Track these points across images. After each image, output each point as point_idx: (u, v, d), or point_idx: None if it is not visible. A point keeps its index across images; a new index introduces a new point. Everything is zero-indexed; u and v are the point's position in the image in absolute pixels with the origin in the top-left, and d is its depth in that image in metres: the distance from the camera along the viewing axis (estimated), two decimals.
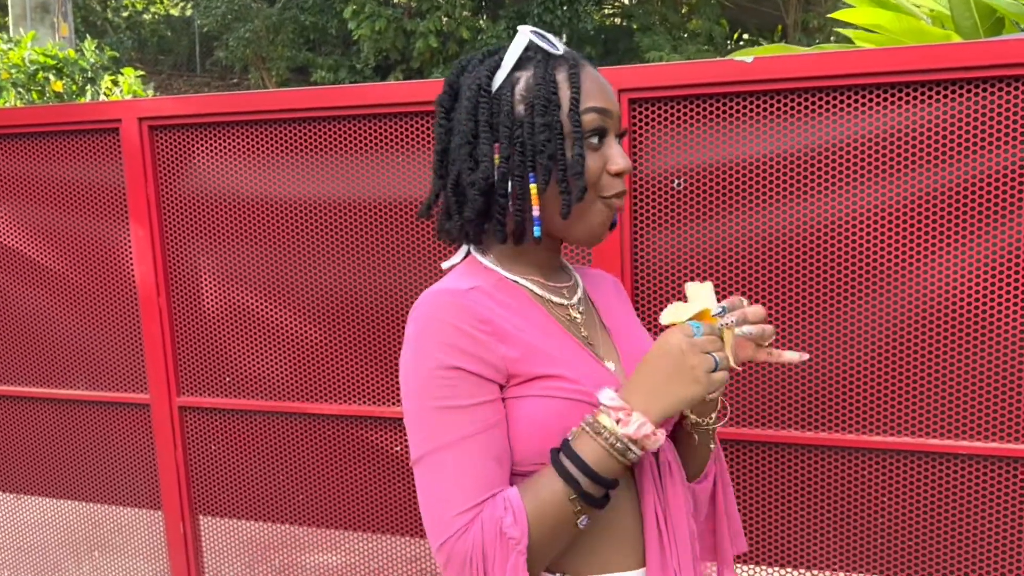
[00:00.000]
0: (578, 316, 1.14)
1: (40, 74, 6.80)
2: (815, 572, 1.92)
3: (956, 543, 1.77)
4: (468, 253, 1.16)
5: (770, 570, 1.98)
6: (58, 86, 6.83)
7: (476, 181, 1.04)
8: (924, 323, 1.71)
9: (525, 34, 1.06)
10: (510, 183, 1.04)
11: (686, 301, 1.05)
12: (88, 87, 7.29)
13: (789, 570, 1.95)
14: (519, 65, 1.06)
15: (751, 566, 1.96)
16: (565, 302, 1.14)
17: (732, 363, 1.01)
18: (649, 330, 1.87)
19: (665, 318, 1.03)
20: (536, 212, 1.05)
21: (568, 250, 1.90)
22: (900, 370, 1.74)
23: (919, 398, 1.74)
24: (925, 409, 1.74)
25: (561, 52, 1.07)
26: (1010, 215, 1.62)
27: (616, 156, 1.06)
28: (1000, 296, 1.66)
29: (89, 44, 7.59)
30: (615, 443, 0.96)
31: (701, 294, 1.05)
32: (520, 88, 1.05)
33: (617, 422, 0.96)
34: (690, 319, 1.01)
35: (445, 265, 1.17)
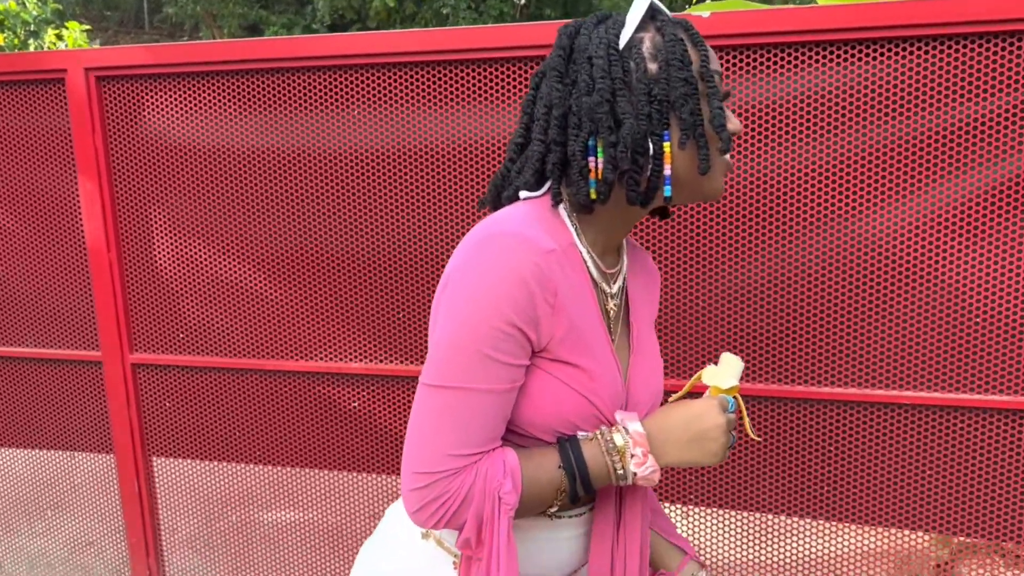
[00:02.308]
0: (613, 308, 1.15)
1: None
2: (759, 514, 1.98)
3: (895, 487, 1.83)
4: (546, 191, 1.11)
5: (718, 511, 2.03)
6: None
7: (623, 139, 1.01)
8: (867, 276, 1.75)
9: None
10: (650, 141, 1.02)
11: (715, 363, 1.16)
12: (31, 41, 7.04)
13: (739, 512, 2.01)
14: (639, 27, 1.05)
15: (704, 508, 2.02)
16: (608, 291, 1.14)
17: (753, 435, 1.18)
18: None
19: (707, 378, 1.14)
20: (668, 171, 1.04)
21: None
22: (846, 322, 1.78)
23: (867, 350, 1.79)
24: (871, 360, 1.79)
25: (672, 16, 1.08)
26: (954, 170, 1.67)
27: (732, 118, 1.08)
28: (943, 249, 1.70)
29: None
30: (620, 471, 1.04)
31: (734, 367, 1.14)
32: (647, 47, 1.03)
33: (631, 456, 1.03)
34: (724, 391, 1.13)
35: (524, 196, 1.11)
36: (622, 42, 1.04)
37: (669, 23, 1.06)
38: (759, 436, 1.23)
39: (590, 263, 1.10)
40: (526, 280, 0.97)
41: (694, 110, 1.02)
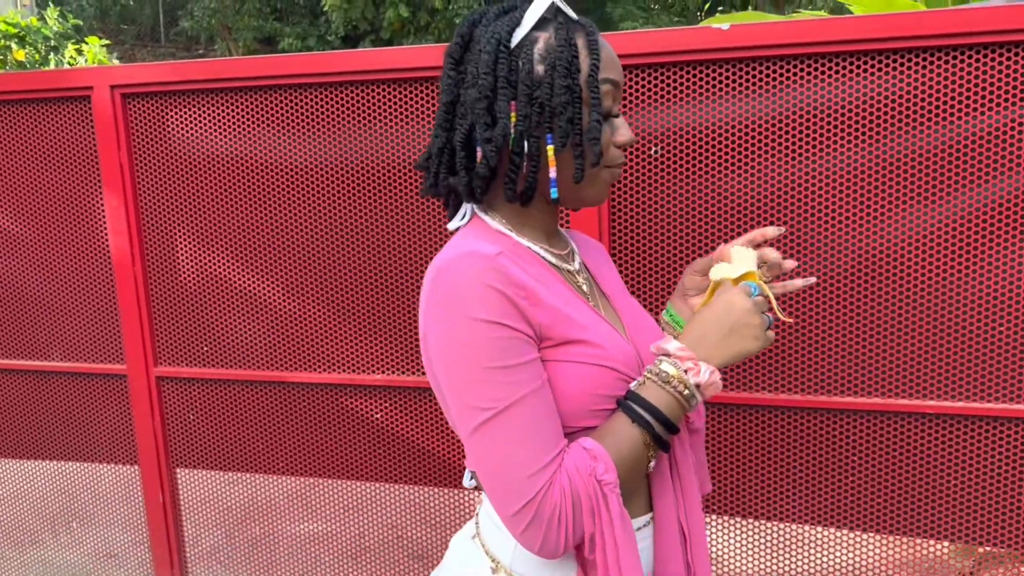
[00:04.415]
0: (584, 283, 1.16)
1: (1, 42, 6.62)
2: (782, 524, 1.98)
3: (919, 497, 1.83)
4: (472, 214, 1.13)
5: (741, 521, 2.03)
6: (20, 55, 6.66)
7: (494, 138, 1.02)
8: (889, 285, 1.75)
9: None
10: (526, 143, 1.03)
11: (729, 262, 1.15)
12: (51, 56, 7.12)
13: (762, 521, 2.00)
14: (538, 25, 1.05)
15: (726, 517, 2.01)
16: (571, 268, 1.15)
17: (784, 317, 1.13)
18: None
19: (715, 274, 1.13)
20: (553, 174, 1.04)
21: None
22: (868, 332, 1.78)
23: (889, 359, 1.78)
24: (894, 370, 1.79)
25: (578, 19, 1.08)
26: (972, 180, 1.66)
27: (623, 128, 1.08)
28: (966, 258, 1.70)
29: (52, 12, 7.39)
30: (683, 390, 1.02)
31: (747, 257, 1.13)
32: (540, 48, 1.03)
33: (686, 371, 1.02)
34: (739, 279, 1.10)
35: (452, 226, 1.14)
36: (515, 39, 1.03)
37: (570, 25, 1.05)
38: (791, 319, 1.22)
39: (541, 252, 1.11)
40: (491, 285, 0.96)
41: (573, 118, 1.02)
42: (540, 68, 1.03)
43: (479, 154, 1.04)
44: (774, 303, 1.11)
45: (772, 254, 1.18)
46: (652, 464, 1.05)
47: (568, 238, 1.23)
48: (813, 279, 1.22)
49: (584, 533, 0.97)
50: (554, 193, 1.05)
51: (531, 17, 1.04)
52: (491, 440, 0.96)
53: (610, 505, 0.96)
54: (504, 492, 0.95)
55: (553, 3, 1.06)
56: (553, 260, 1.12)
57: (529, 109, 1.02)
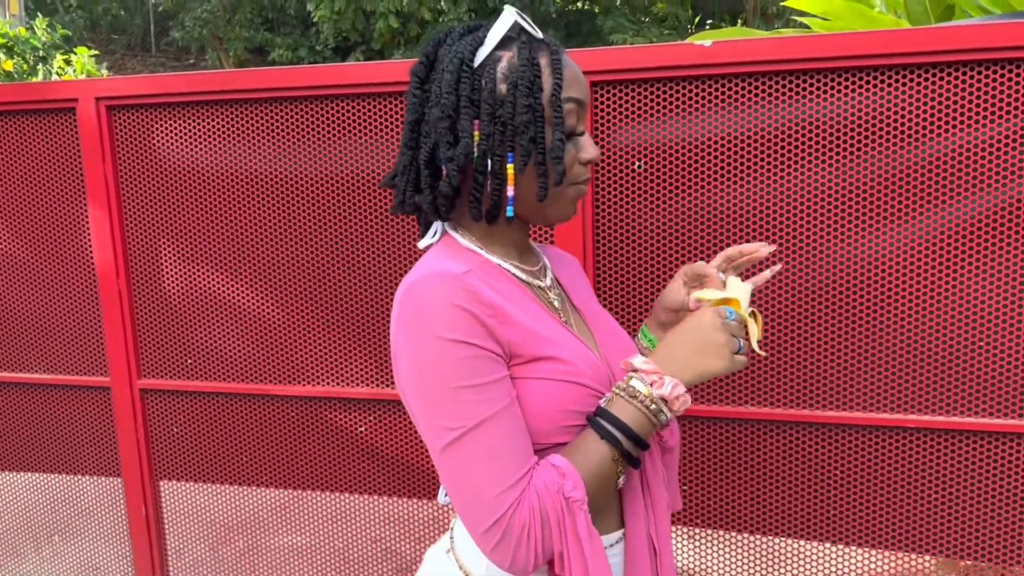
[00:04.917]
0: (556, 299, 1.16)
1: None
2: (765, 537, 1.98)
3: (901, 510, 1.83)
4: (443, 232, 1.14)
5: (724, 533, 2.03)
6: (8, 65, 6.64)
7: (456, 156, 1.02)
8: (871, 299, 1.76)
9: (511, 14, 1.06)
10: (490, 161, 1.04)
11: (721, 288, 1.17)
12: (40, 66, 7.11)
13: (745, 534, 2.01)
14: (501, 44, 1.05)
15: (709, 530, 2.02)
16: (542, 284, 1.16)
17: (758, 350, 1.12)
18: (610, 311, 1.91)
19: (696, 295, 1.16)
20: (511, 192, 1.05)
21: (532, 230, 1.92)
22: (850, 346, 1.79)
23: (871, 373, 1.79)
24: (876, 384, 1.80)
25: (542, 37, 1.08)
26: (954, 196, 1.68)
27: (588, 146, 1.09)
28: (949, 272, 1.71)
29: (41, 22, 7.39)
30: (650, 405, 1.02)
31: (738, 288, 1.14)
32: (503, 67, 1.04)
33: (651, 384, 1.02)
34: (719, 302, 1.11)
35: (422, 244, 1.15)
36: (478, 59, 1.04)
37: (534, 45, 1.06)
38: (764, 353, 1.25)
39: (511, 268, 1.11)
40: (458, 305, 0.97)
41: (535, 137, 1.03)
42: (503, 87, 1.04)
43: (443, 172, 1.05)
44: (752, 334, 1.11)
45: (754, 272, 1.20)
46: (622, 480, 1.05)
47: (540, 254, 1.24)
48: (779, 266, 1.26)
49: (554, 550, 0.97)
50: (509, 212, 1.06)
51: (494, 36, 1.05)
52: (460, 459, 0.96)
53: (577, 522, 0.96)
54: (474, 510, 0.96)
55: (516, 22, 1.07)
56: (523, 277, 1.13)
57: (492, 128, 1.03)
